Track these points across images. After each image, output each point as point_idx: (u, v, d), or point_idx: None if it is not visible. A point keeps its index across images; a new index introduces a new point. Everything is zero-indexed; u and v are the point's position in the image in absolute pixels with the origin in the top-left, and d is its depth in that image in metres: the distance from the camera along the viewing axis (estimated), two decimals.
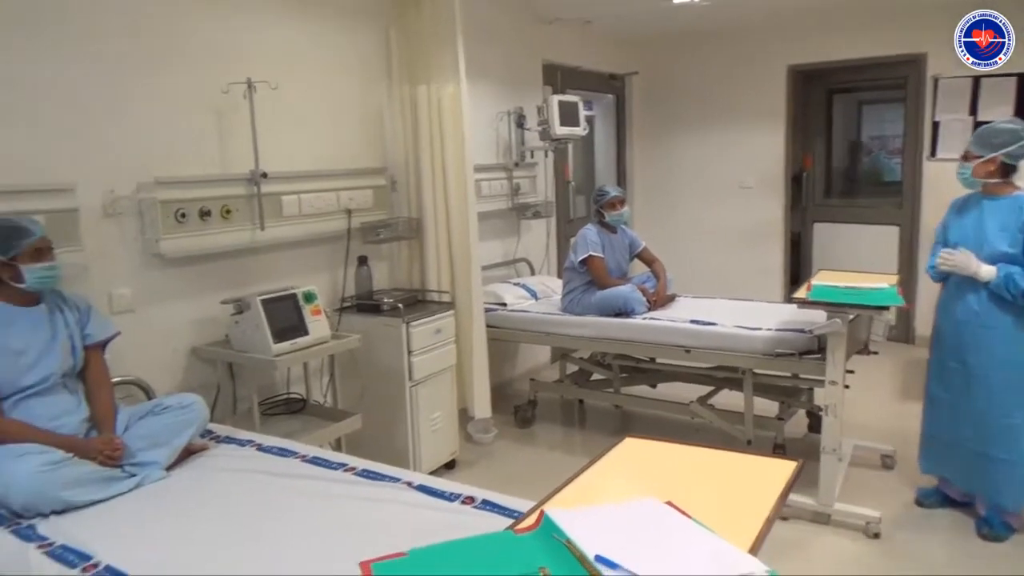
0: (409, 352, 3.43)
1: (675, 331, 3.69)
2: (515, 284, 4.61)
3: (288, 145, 3.31)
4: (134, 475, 2.19)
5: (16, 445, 2.09)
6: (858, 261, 5.89)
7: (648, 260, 4.30)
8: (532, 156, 4.96)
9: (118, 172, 2.74)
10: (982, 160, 2.81)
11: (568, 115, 4.68)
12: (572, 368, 4.50)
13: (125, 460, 2.21)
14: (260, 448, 2.42)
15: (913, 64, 5.35)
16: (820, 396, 3.65)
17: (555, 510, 1.24)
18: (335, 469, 2.20)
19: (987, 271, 2.77)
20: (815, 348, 3.37)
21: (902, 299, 2.98)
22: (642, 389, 4.32)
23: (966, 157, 2.86)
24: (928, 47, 5.21)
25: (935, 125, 5.31)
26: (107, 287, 2.74)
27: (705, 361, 3.73)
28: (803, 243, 6.26)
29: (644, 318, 3.87)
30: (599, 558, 1.09)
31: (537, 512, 1.25)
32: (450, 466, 3.78)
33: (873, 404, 4.41)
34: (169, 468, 2.27)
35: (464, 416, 3.93)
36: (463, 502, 1.93)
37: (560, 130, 4.62)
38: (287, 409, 3.32)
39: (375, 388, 3.46)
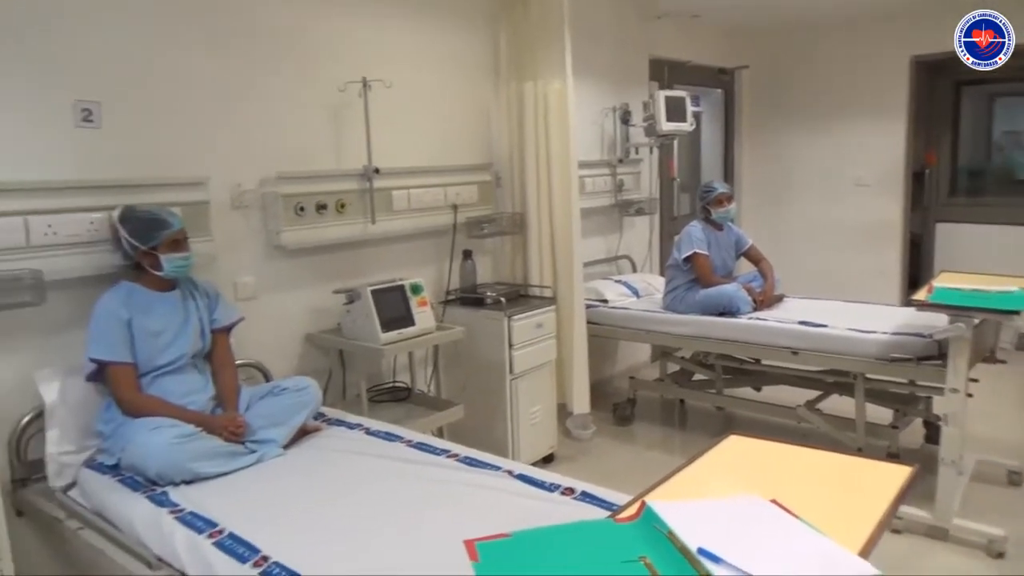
0: (510, 345, 3.48)
1: (782, 332, 3.59)
2: (616, 281, 4.59)
3: (398, 142, 3.43)
4: (254, 451, 2.33)
5: (150, 419, 2.27)
6: (985, 264, 5.54)
7: (755, 259, 4.19)
8: (636, 152, 4.93)
9: (243, 167, 2.92)
10: None
11: (675, 111, 4.61)
12: (672, 367, 4.45)
13: (246, 437, 2.36)
14: (368, 432, 2.52)
15: None
16: (939, 405, 3.47)
17: (657, 501, 1.25)
18: (439, 455, 2.27)
19: None
20: (935, 353, 3.20)
21: None
22: (746, 391, 4.21)
23: None
24: None
25: None
26: (232, 275, 2.93)
27: (813, 364, 3.60)
28: (923, 244, 5.92)
29: (749, 318, 3.77)
30: (702, 551, 1.09)
31: (638, 503, 1.25)
32: (548, 459, 3.82)
33: (1000, 416, 4.14)
34: (286, 446, 2.40)
35: (563, 411, 3.96)
36: (563, 493, 1.95)
37: (666, 126, 4.56)
38: (392, 397, 3.44)
39: (476, 380, 3.54)
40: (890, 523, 1.25)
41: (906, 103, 5.57)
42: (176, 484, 2.13)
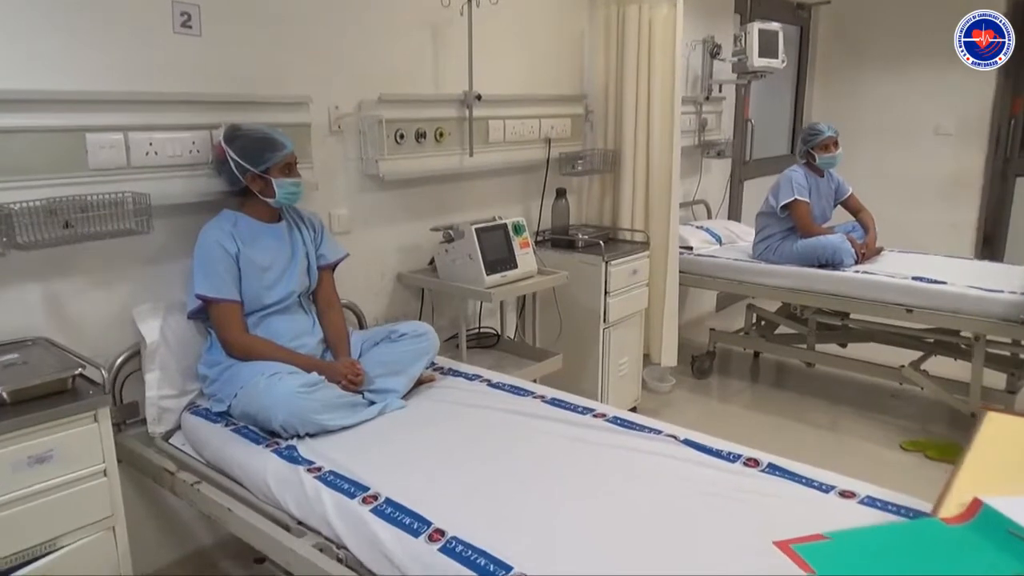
0: (606, 293, 3.26)
1: (895, 287, 3.36)
2: (698, 227, 4.34)
3: (495, 67, 3.12)
4: (374, 403, 2.12)
5: (265, 363, 2.06)
6: None
7: (855, 208, 3.94)
8: (720, 90, 4.61)
9: (341, 88, 2.64)
10: None
11: (768, 46, 4.28)
12: (741, 321, 4.23)
13: (365, 386, 2.15)
14: (491, 384, 2.31)
15: None
16: None
17: (992, 498, 1.03)
18: (583, 414, 2.06)
19: None
20: None
21: None
22: (833, 348, 4.01)
23: None
24: None
25: None
26: (328, 206, 2.67)
27: (928, 323, 3.38)
28: (1003, 199, 5.64)
29: (856, 271, 3.54)
30: None
31: (970, 502, 1.04)
32: (632, 411, 3.63)
33: None
34: (404, 397, 2.19)
35: (645, 362, 3.76)
36: (746, 464, 1.75)
37: (758, 62, 4.24)
38: (479, 344, 3.23)
39: (568, 327, 3.32)
40: None
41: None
42: (301, 437, 1.93)
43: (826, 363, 3.96)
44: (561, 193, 3.42)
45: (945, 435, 3.40)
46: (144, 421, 2.13)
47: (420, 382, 2.29)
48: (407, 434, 1.98)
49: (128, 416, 2.19)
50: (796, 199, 3.70)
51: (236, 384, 2.04)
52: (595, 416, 2.04)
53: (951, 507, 1.07)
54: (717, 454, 1.79)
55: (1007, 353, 3.40)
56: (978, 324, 3.16)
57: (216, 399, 2.09)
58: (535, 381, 2.97)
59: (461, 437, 1.95)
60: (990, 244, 5.63)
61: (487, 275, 2.77)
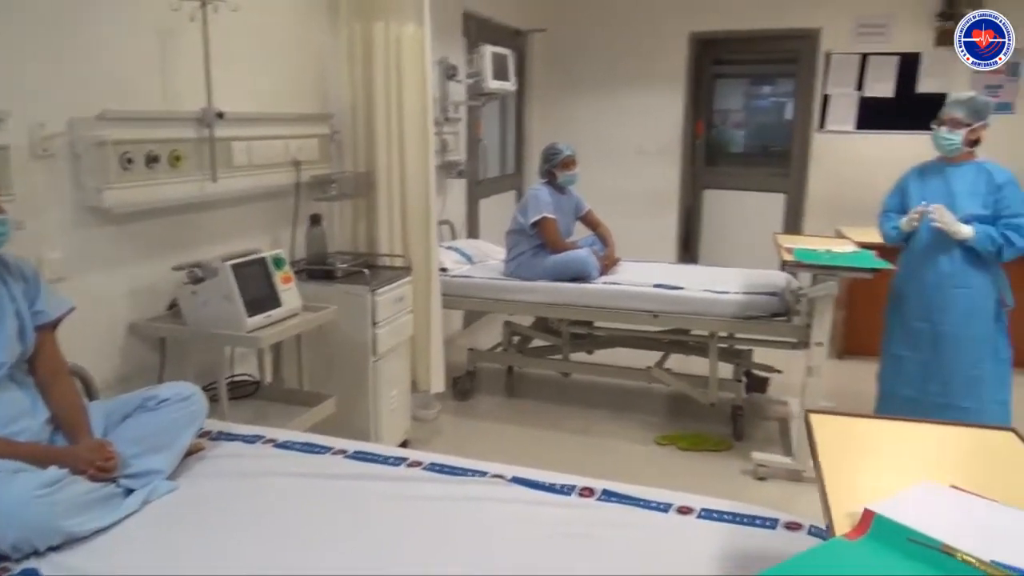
0: (374, 323, 3.05)
1: (642, 296, 3.61)
2: (448, 248, 4.30)
3: (233, 82, 2.76)
4: (132, 489, 1.71)
5: None
6: (744, 227, 6.21)
7: (593, 223, 4.18)
8: (457, 111, 4.63)
9: (47, 104, 2.13)
10: (972, 128, 2.93)
11: (500, 69, 4.40)
12: (489, 337, 4.30)
13: (119, 472, 1.73)
14: (277, 445, 2.00)
15: (807, 39, 5.60)
16: (759, 357, 3.79)
17: (878, 505, 1.07)
18: (395, 465, 1.86)
19: (967, 229, 2.92)
20: (782, 311, 3.44)
21: (886, 262, 3.08)
22: (596, 356, 4.21)
23: (954, 123, 2.95)
24: (823, 22, 5.48)
25: (825, 99, 5.61)
26: (36, 249, 2.13)
27: (671, 326, 3.69)
28: (693, 209, 6.44)
29: (604, 283, 3.75)
30: (1002, 565, 0.94)
31: (862, 513, 1.06)
32: (403, 446, 3.46)
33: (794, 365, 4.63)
34: (172, 477, 1.81)
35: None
36: (581, 494, 1.69)
37: (493, 83, 4.35)
38: (234, 394, 2.84)
39: (334, 364, 3.05)
40: None
41: (684, 75, 5.95)
42: (41, 553, 1.48)
43: (581, 371, 4.15)
44: (316, 219, 3.15)
45: (693, 427, 3.72)
46: None
47: (188, 454, 1.91)
48: (184, 525, 1.62)
49: None
50: (544, 216, 3.82)
51: None
52: (409, 466, 1.85)
53: (841, 521, 1.08)
54: (550, 489, 1.72)
55: (729, 346, 3.84)
56: (713, 323, 3.51)
57: None
58: (309, 430, 2.71)
59: (255, 518, 1.64)
60: (688, 249, 6.40)
61: (248, 317, 2.42)
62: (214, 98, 2.58)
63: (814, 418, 1.46)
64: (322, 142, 3.30)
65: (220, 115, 2.57)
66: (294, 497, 1.70)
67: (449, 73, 4.38)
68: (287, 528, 1.58)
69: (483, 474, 1.79)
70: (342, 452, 1.94)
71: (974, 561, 0.95)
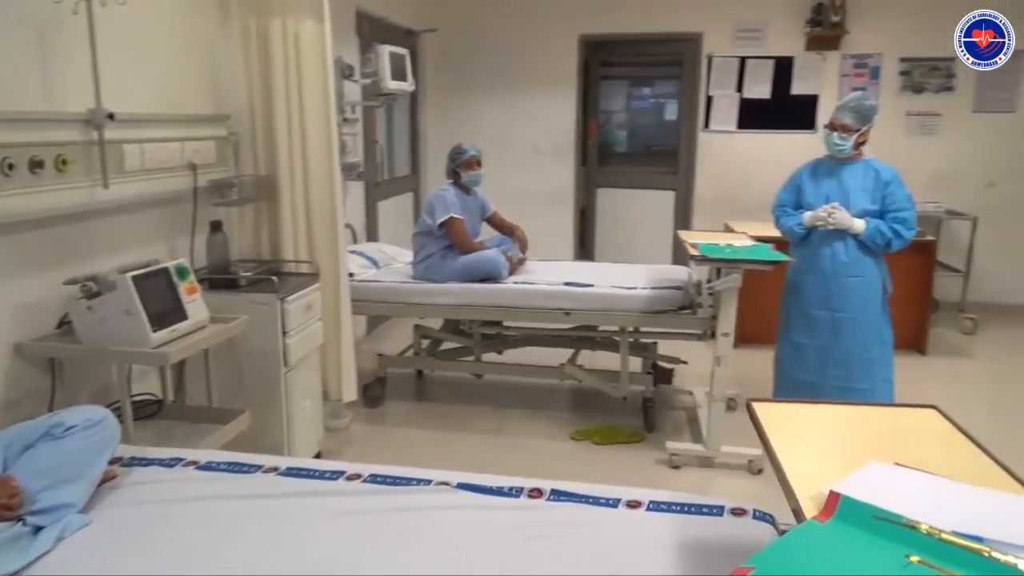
0: (284, 333, 2.93)
1: (553, 294, 3.65)
2: (352, 252, 4.18)
3: (121, 81, 2.56)
4: (42, 527, 1.56)
5: None
6: (636, 224, 6.41)
7: (499, 224, 4.18)
8: (353, 112, 4.51)
9: None
10: (860, 131, 3.14)
11: (398, 68, 4.33)
12: (395, 342, 4.23)
13: (24, 509, 1.56)
14: (200, 467, 1.87)
15: (691, 42, 5.85)
16: (662, 349, 3.99)
17: (841, 485, 1.12)
18: (333, 479, 1.78)
19: (860, 223, 3.14)
20: (687, 304, 3.57)
21: (784, 255, 3.24)
22: (507, 355, 4.21)
23: (844, 128, 3.15)
24: (704, 27, 5.73)
25: (709, 100, 5.87)
26: None
27: (583, 322, 3.74)
28: (588, 207, 6.57)
29: (516, 282, 3.76)
30: (958, 533, 1.00)
31: (827, 495, 1.11)
32: (316, 458, 3.34)
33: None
34: (85, 510, 1.65)
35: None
36: (529, 495, 1.68)
37: (392, 84, 4.26)
38: (136, 414, 2.64)
39: (241, 378, 2.90)
40: None
41: (576, 77, 6.06)
42: None
43: (493, 372, 4.14)
44: (217, 226, 2.98)
45: (606, 420, 3.79)
46: None
47: (100, 483, 1.76)
48: (107, 561, 1.48)
49: None
50: (452, 216, 3.79)
51: None
52: (348, 479, 1.78)
53: (807, 503, 1.12)
54: (498, 492, 1.70)
55: (636, 340, 3.94)
56: (623, 318, 3.60)
57: None
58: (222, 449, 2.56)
59: (187, 548, 1.53)
60: (584, 246, 6.53)
61: (153, 332, 2.26)
62: (103, 98, 2.39)
63: (758, 406, 1.51)
64: (219, 144, 3.13)
65: (111, 116, 2.38)
66: (231, 522, 1.60)
67: (345, 73, 4.26)
68: (228, 556, 1.47)
69: (427, 482, 1.75)
70: (274, 470, 1.84)
71: (937, 532, 1.01)
